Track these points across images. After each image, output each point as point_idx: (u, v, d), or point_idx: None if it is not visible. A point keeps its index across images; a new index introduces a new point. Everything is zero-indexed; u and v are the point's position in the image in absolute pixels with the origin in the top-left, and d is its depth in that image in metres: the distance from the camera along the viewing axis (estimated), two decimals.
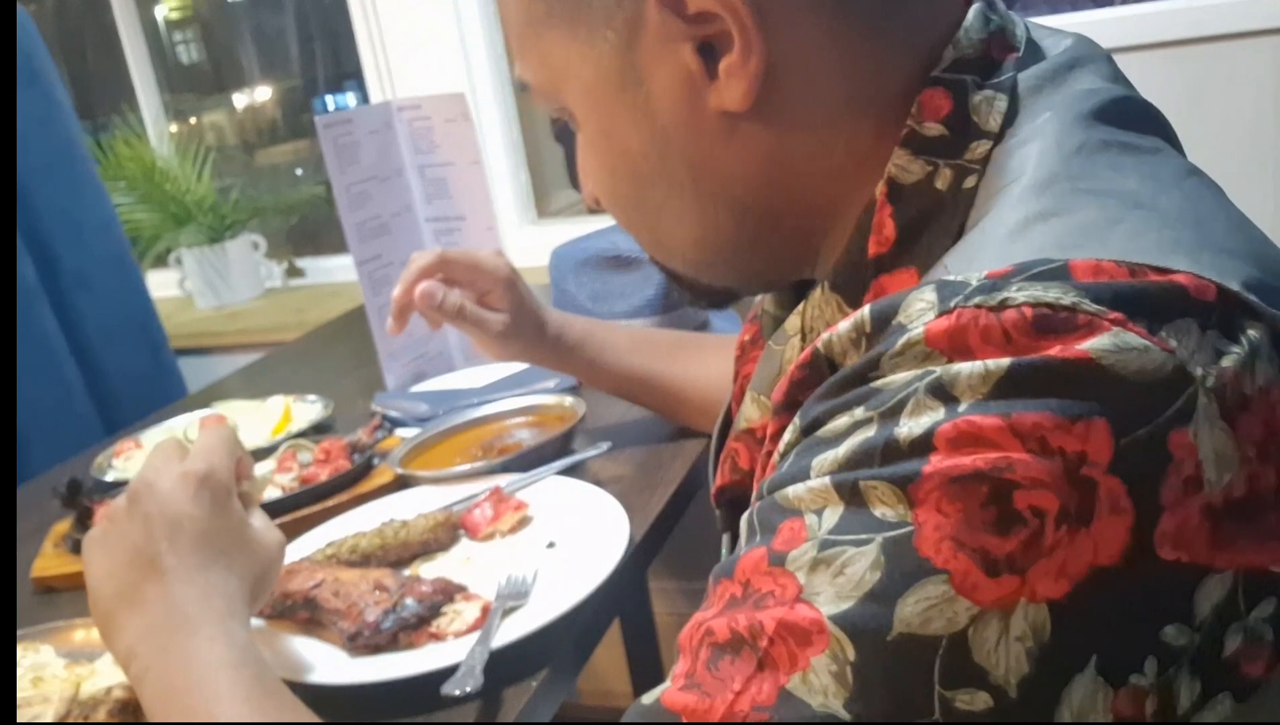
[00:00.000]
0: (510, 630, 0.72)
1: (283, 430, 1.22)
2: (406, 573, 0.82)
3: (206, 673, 0.55)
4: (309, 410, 1.27)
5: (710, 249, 0.53)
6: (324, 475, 1.02)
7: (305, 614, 0.78)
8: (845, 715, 0.34)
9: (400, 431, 1.15)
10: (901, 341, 0.37)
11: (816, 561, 0.36)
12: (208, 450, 0.64)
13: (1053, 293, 0.35)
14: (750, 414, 0.55)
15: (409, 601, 0.75)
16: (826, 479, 0.37)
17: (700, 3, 0.45)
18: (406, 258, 0.97)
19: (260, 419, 1.27)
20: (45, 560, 0.99)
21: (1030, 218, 0.40)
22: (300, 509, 0.98)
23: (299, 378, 1.47)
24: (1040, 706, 0.34)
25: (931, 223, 0.45)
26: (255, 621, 0.77)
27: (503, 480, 0.94)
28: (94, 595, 0.61)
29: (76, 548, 0.99)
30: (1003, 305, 0.35)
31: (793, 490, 0.38)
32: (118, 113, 2.44)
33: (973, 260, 0.40)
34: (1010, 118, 0.45)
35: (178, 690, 0.55)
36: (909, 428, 0.35)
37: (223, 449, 0.64)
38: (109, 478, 1.18)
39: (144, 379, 1.98)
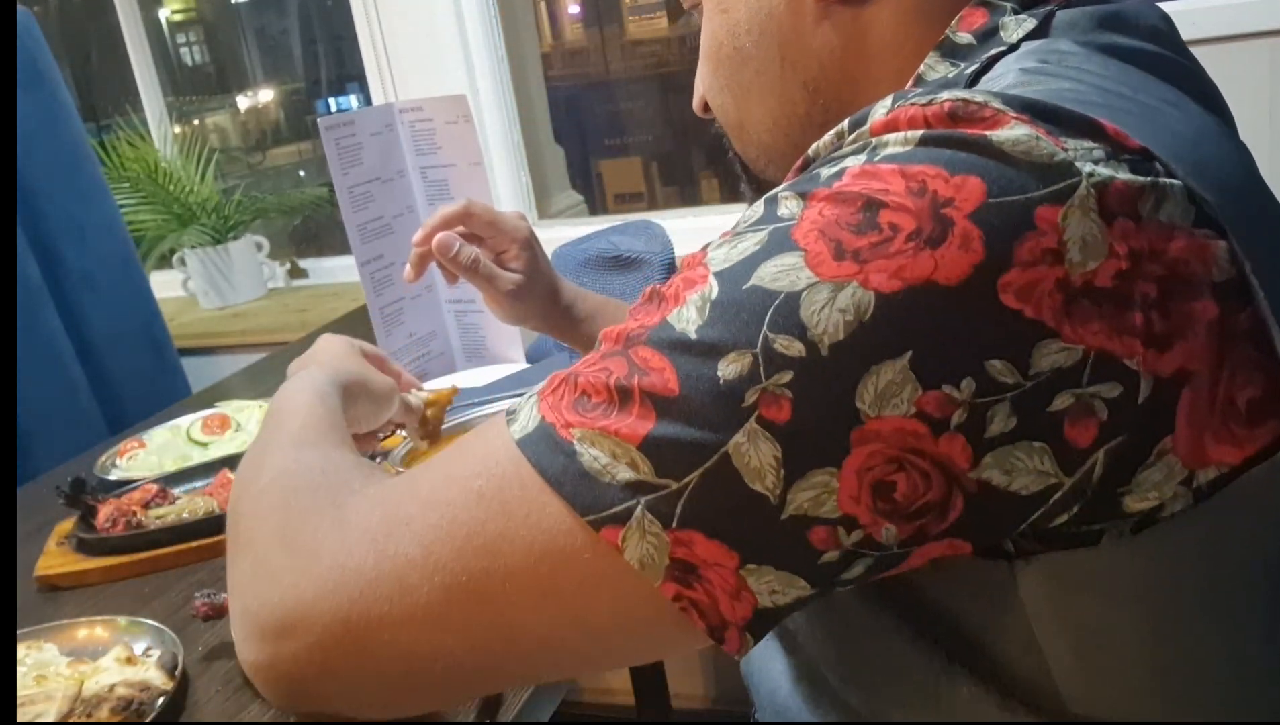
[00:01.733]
0: None
1: None
2: None
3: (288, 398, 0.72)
4: None
5: (782, 131, 0.60)
6: None
7: None
8: (694, 336, 0.42)
9: (401, 431, 1.15)
10: (854, 134, 0.44)
11: (727, 243, 0.44)
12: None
13: (974, 95, 0.41)
14: None
15: None
16: (761, 202, 0.45)
17: None
18: (408, 258, 0.98)
19: (263, 419, 1.27)
20: (49, 559, 1.00)
21: (1003, 84, 0.46)
22: None
23: None
24: (846, 372, 0.39)
25: None
26: None
27: None
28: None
29: (80, 546, 1.00)
30: (931, 102, 0.42)
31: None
32: (121, 114, 2.45)
33: None
34: (1031, 38, 0.50)
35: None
36: (832, 169, 0.43)
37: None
38: (112, 477, 1.19)
39: (148, 379, 1.98)
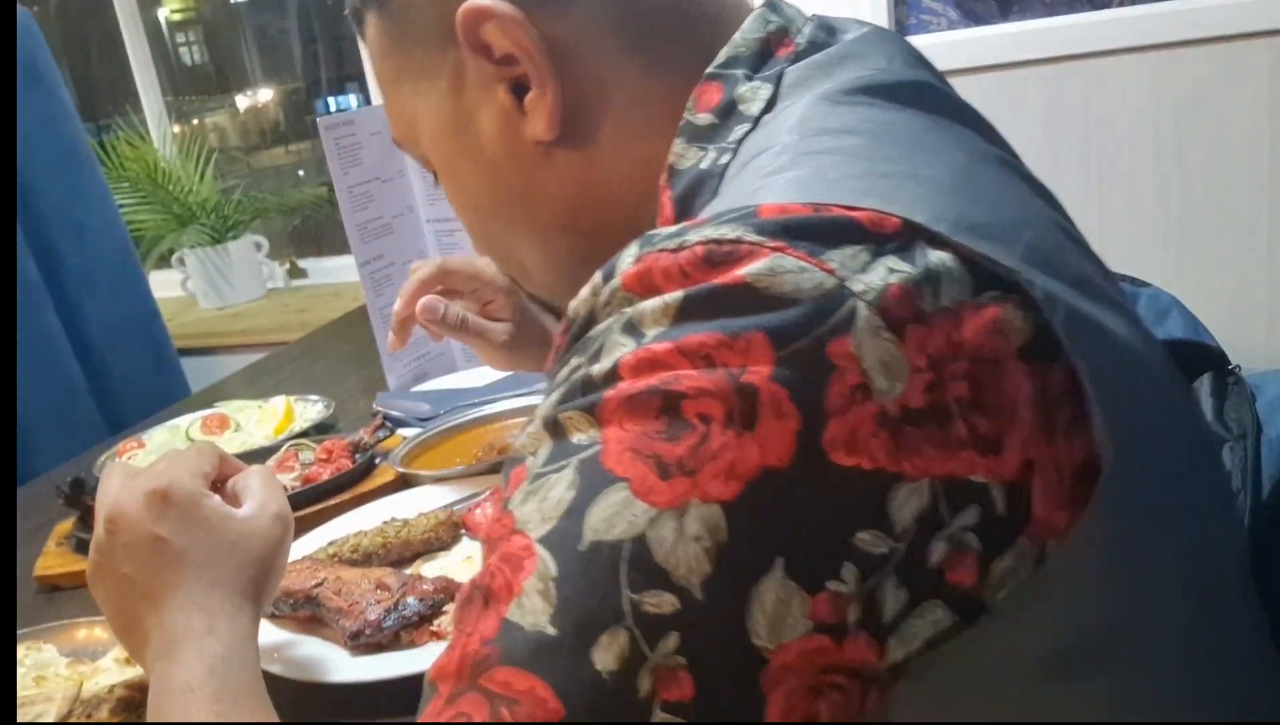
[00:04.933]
0: None
1: (285, 430, 1.23)
2: (408, 572, 0.82)
3: (176, 695, 0.54)
4: (311, 410, 1.27)
5: (555, 270, 0.57)
6: (326, 475, 1.02)
7: (307, 612, 0.78)
8: (552, 630, 0.36)
9: (402, 431, 1.15)
10: (608, 291, 0.40)
11: (528, 494, 0.38)
12: (165, 467, 0.63)
13: (723, 230, 0.38)
14: None
15: (410, 600, 0.75)
16: (539, 421, 0.40)
17: (502, 46, 0.50)
18: (408, 258, 0.97)
19: (262, 419, 1.27)
20: (48, 559, 1.00)
21: (757, 185, 0.42)
22: (302, 508, 0.98)
23: (301, 377, 1.47)
24: (728, 608, 0.35)
25: (695, 199, 0.48)
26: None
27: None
28: (112, 627, 0.62)
29: (79, 547, 1.00)
30: (681, 246, 0.38)
31: (519, 440, 0.41)
32: (121, 114, 2.45)
33: None
34: (771, 104, 0.48)
35: (157, 714, 0.55)
36: (602, 363, 0.38)
37: (182, 461, 0.63)
38: None
39: (147, 379, 1.98)
